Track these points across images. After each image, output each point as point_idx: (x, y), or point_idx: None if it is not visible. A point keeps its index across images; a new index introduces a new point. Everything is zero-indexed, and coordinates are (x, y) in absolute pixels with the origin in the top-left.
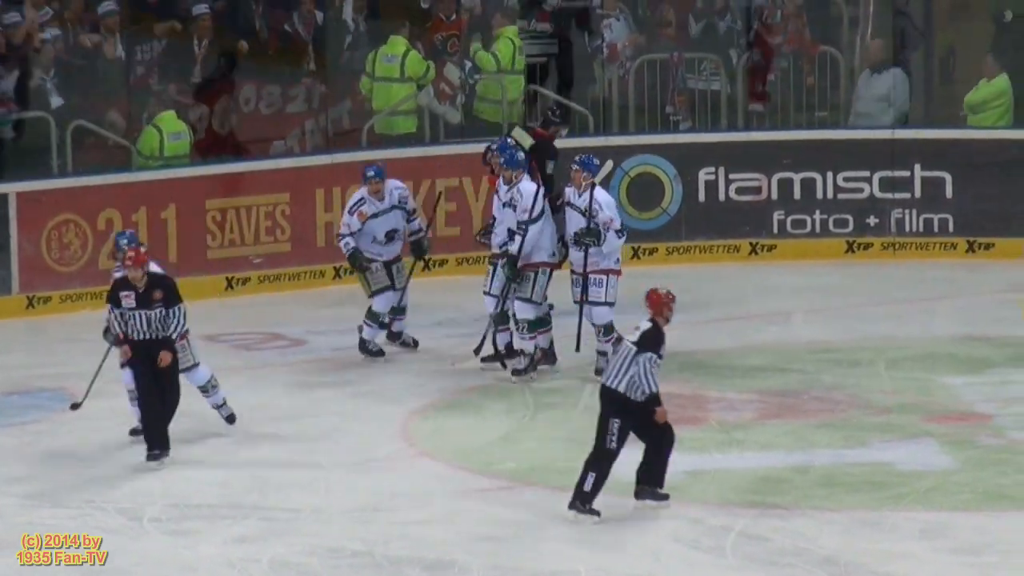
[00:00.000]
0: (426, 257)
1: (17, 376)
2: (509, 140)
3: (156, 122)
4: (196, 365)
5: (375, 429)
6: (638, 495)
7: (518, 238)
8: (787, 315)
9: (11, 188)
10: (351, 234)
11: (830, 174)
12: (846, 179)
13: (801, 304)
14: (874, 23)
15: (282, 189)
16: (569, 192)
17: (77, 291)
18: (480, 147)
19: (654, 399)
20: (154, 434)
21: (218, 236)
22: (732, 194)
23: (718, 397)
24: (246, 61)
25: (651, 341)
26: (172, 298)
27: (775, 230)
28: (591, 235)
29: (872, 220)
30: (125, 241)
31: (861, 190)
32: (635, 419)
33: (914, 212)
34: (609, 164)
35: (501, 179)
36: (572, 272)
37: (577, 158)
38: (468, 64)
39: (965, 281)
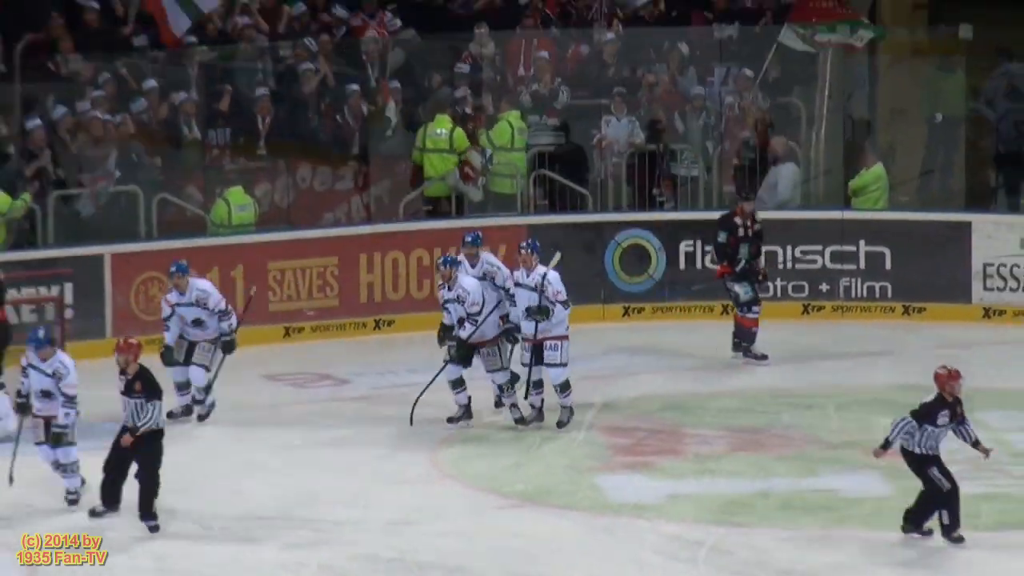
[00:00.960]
0: None
1: (112, 406)
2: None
3: (226, 196)
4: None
5: (407, 455)
6: (904, 530)
7: (469, 326)
8: (751, 365)
9: (106, 249)
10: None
11: (789, 247)
12: (802, 252)
13: (765, 355)
14: (827, 122)
15: (331, 253)
16: (518, 273)
17: (159, 336)
18: (497, 220)
19: (885, 445)
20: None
21: (278, 292)
22: (707, 263)
23: (694, 433)
24: (302, 144)
25: (924, 409)
26: (151, 392)
27: None
28: (542, 312)
29: (824, 287)
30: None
31: (815, 261)
32: (936, 462)
33: (859, 280)
34: (558, 255)
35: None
36: (523, 340)
37: (525, 242)
38: (489, 151)
39: (901, 339)
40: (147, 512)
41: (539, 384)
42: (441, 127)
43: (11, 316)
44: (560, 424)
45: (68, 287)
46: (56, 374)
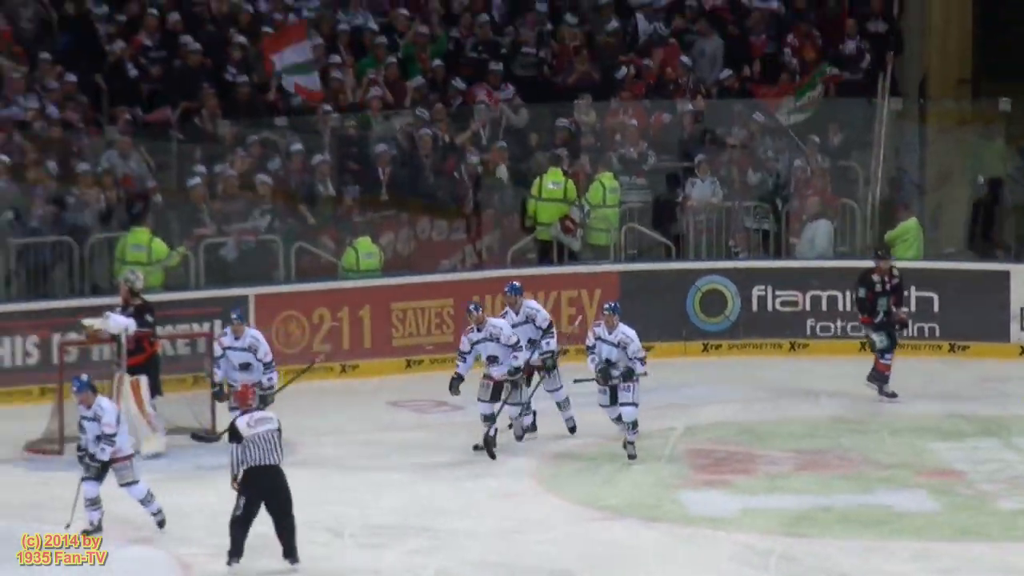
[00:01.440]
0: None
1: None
2: None
3: (355, 244)
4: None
5: (512, 473)
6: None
7: (519, 354)
8: (816, 395)
9: (251, 291)
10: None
11: (848, 292)
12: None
13: (826, 387)
14: (882, 183)
15: (447, 296)
16: (599, 330)
17: (296, 367)
18: (592, 268)
19: None
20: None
21: (400, 329)
22: (777, 306)
23: (764, 455)
24: (421, 200)
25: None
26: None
27: (808, 333)
28: (627, 375)
29: None
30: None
31: None
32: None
33: (911, 322)
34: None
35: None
36: (602, 383)
37: (609, 304)
38: (586, 207)
39: (947, 374)
40: (293, 552)
41: (619, 419)
42: (555, 179)
43: (167, 348)
44: (631, 457)
45: (216, 324)
46: (96, 416)
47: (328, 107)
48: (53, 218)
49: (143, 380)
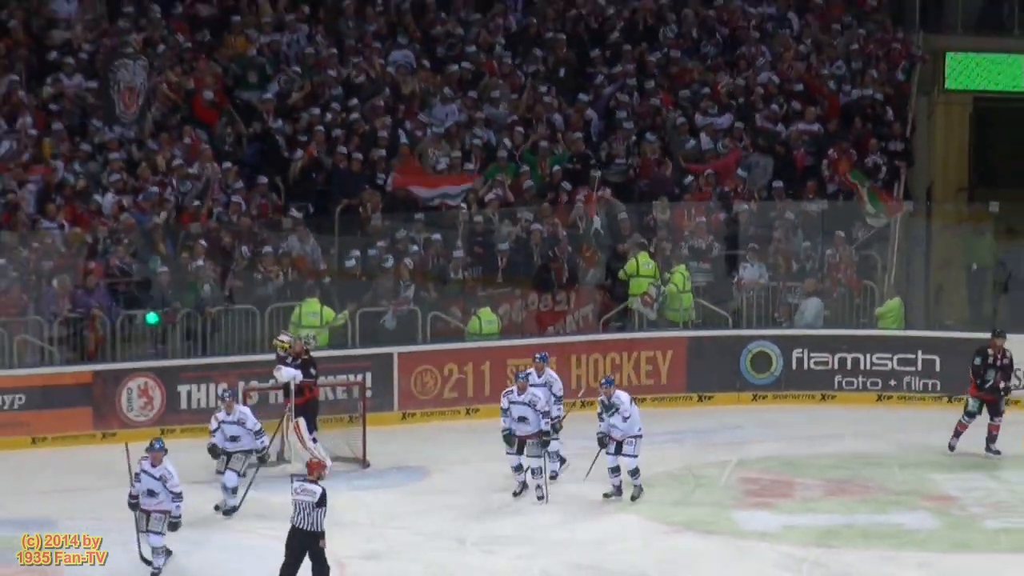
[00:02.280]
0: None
1: (396, 457)
2: None
3: (478, 314)
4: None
5: (595, 493)
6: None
7: (553, 411)
8: (841, 436)
9: (395, 350)
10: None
11: (868, 355)
12: (878, 358)
13: (850, 430)
14: (896, 269)
15: (552, 354)
16: (602, 399)
17: (430, 411)
18: (665, 333)
19: None
20: None
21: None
22: (811, 365)
23: (800, 482)
24: (531, 279)
25: None
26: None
27: (835, 387)
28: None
29: (892, 382)
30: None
31: (886, 364)
32: None
33: (917, 378)
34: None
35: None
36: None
37: (604, 378)
38: (663, 288)
39: (947, 419)
40: None
41: (616, 470)
42: (644, 261)
43: (327, 395)
44: (633, 498)
45: (367, 375)
46: (162, 477)
47: (463, 205)
48: (241, 290)
49: (301, 421)
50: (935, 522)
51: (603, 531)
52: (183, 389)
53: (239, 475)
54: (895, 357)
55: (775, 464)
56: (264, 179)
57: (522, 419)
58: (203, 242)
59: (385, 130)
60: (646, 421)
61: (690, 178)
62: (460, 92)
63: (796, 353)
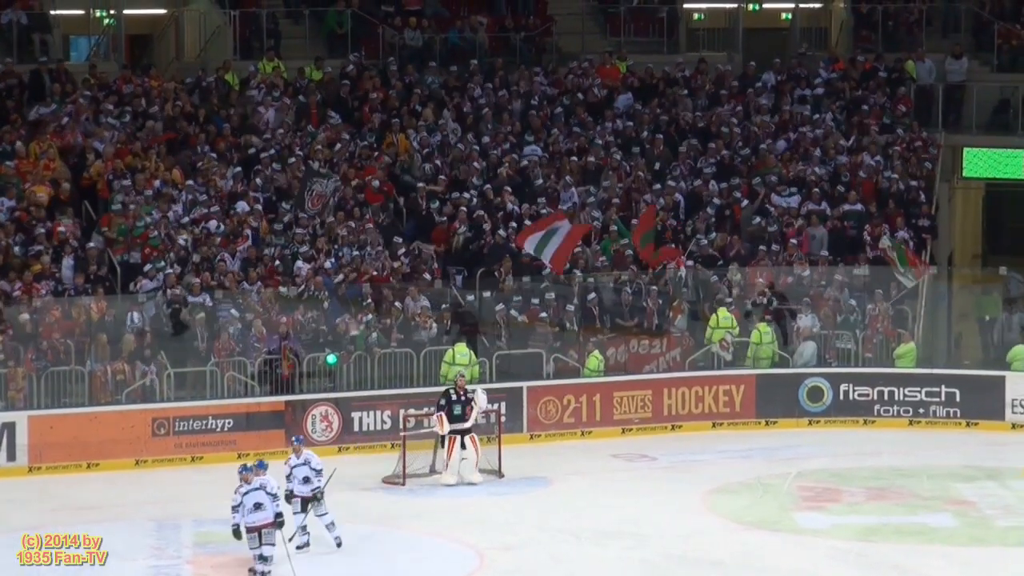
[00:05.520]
0: None
1: (525, 469)
2: None
3: (592, 355)
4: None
5: (685, 497)
6: None
7: None
8: (880, 453)
9: (524, 384)
10: None
11: (903, 388)
12: (909, 390)
13: (887, 448)
14: (923, 321)
15: (647, 389)
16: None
17: (552, 433)
18: (738, 372)
19: None
20: None
21: (618, 409)
22: (855, 396)
23: (847, 490)
24: (631, 328)
25: None
26: None
27: (875, 414)
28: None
29: (921, 411)
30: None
31: (916, 396)
32: None
33: (941, 407)
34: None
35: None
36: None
37: (295, 436)
38: (732, 335)
39: (965, 440)
40: None
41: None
42: (724, 315)
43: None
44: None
45: (503, 404)
46: (260, 488)
47: (578, 272)
48: (398, 339)
49: (475, 437)
50: (955, 522)
51: (689, 527)
52: (355, 415)
53: (273, 545)
54: (923, 390)
55: (826, 475)
56: (430, 247)
57: (306, 479)
58: (369, 300)
59: (516, 207)
60: (723, 442)
61: (760, 248)
62: (579, 181)
63: (843, 387)
